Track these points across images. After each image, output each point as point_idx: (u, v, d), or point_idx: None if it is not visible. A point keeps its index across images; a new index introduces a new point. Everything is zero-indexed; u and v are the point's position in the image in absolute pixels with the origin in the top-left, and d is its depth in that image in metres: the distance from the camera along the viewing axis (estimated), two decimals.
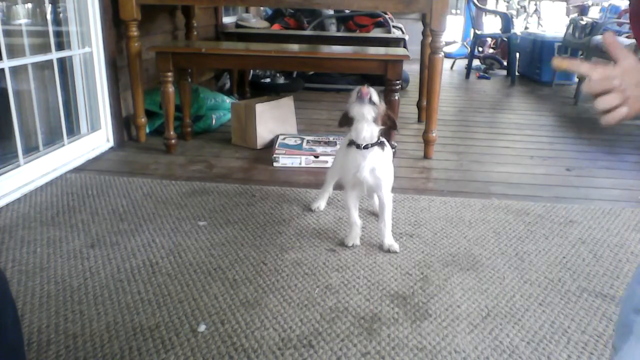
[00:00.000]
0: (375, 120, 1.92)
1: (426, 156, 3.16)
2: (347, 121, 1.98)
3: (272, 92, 4.65)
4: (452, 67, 7.09)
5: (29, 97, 2.62)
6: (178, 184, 2.62)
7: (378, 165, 1.97)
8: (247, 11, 5.70)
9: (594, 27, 4.95)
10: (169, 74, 2.99)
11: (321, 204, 2.37)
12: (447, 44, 7.42)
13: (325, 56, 3.08)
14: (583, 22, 5.25)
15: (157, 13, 3.69)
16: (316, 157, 2.95)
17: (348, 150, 2.01)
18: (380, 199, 2.05)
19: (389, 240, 2.04)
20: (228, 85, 4.79)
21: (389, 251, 2.02)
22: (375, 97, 1.91)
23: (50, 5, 2.79)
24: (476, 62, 6.80)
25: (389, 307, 1.67)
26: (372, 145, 1.95)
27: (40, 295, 1.68)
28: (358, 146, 1.95)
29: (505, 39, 6.64)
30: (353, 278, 1.83)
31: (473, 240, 2.13)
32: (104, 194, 2.49)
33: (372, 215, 2.33)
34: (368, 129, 1.92)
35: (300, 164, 2.95)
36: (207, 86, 4.28)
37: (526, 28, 7.97)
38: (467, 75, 6.39)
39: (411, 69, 5.48)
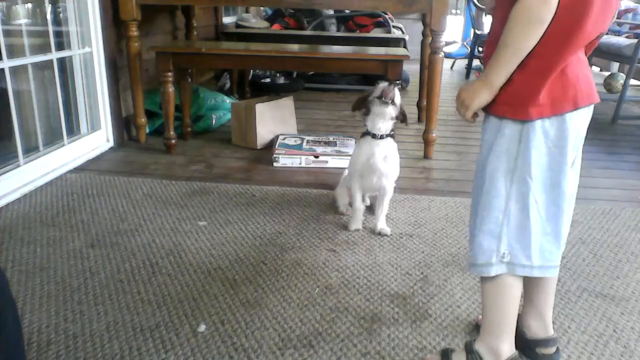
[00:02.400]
0: (391, 117, 2.09)
1: (426, 156, 3.16)
2: (359, 107, 2.15)
3: (272, 92, 4.65)
4: (452, 67, 7.09)
5: (29, 97, 2.62)
6: (178, 184, 2.62)
7: (390, 154, 2.13)
8: (247, 11, 5.70)
9: None
10: (169, 74, 2.99)
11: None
12: (447, 44, 7.42)
13: (325, 56, 3.08)
14: None
15: (157, 13, 3.69)
16: (316, 157, 2.95)
17: (363, 140, 2.16)
18: (383, 188, 2.16)
19: (382, 224, 2.17)
20: (228, 85, 4.79)
21: (379, 234, 2.15)
22: (397, 99, 2.07)
23: (50, 5, 2.79)
24: (476, 62, 6.79)
25: (389, 307, 1.67)
26: (387, 136, 2.12)
27: (40, 295, 1.68)
28: (374, 136, 2.11)
29: None
30: (353, 278, 1.83)
31: None
32: (104, 194, 2.49)
33: (369, 213, 2.32)
34: (384, 122, 2.10)
35: (300, 164, 2.95)
36: (207, 86, 4.28)
37: None
38: (467, 75, 6.39)
39: (411, 69, 5.48)
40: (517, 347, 1.37)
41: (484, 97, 1.18)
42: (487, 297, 1.32)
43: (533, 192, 1.18)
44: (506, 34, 1.10)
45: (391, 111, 2.06)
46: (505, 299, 1.30)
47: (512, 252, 1.23)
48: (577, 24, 1.07)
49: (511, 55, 1.11)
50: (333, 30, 5.35)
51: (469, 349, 1.36)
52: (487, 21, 7.96)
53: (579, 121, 1.18)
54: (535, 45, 1.09)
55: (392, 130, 2.13)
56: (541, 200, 1.20)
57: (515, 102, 1.15)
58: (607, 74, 5.20)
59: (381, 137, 2.11)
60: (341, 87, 5.15)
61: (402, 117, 2.14)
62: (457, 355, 1.39)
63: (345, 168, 2.45)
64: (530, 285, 1.39)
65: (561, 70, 1.12)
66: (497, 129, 1.19)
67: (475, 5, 6.55)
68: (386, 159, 2.12)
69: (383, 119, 2.08)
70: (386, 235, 2.15)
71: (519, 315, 1.41)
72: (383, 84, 2.08)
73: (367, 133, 2.14)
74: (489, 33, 1.25)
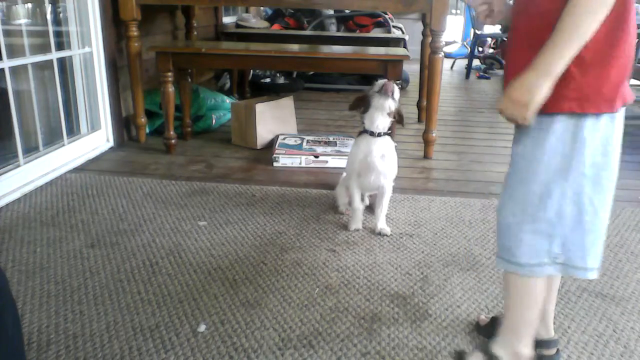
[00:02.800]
0: (389, 114, 2.10)
1: (426, 156, 3.16)
2: (358, 105, 2.15)
3: (272, 92, 4.65)
4: (452, 67, 7.09)
5: (29, 97, 2.62)
6: (178, 184, 2.62)
7: (387, 152, 2.13)
8: (247, 11, 5.70)
9: None
10: (169, 74, 2.99)
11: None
12: (447, 44, 7.41)
13: (325, 56, 3.08)
14: None
15: (157, 13, 3.69)
16: (316, 157, 2.95)
17: (360, 138, 2.16)
18: (381, 187, 2.16)
19: (382, 224, 2.17)
20: (228, 85, 4.79)
21: (379, 234, 2.14)
22: (397, 93, 2.10)
23: (50, 5, 2.79)
24: (476, 62, 6.80)
25: (389, 307, 1.67)
26: (384, 134, 2.12)
27: (40, 295, 1.68)
28: (372, 134, 2.11)
29: (505, 39, 6.64)
30: (353, 278, 1.83)
31: (473, 240, 2.13)
32: (104, 194, 2.49)
33: (369, 213, 2.32)
34: (382, 119, 2.10)
35: (300, 164, 2.94)
36: (207, 86, 4.28)
37: None
38: (467, 75, 6.39)
39: (411, 69, 5.48)
40: None
41: (545, 88, 1.08)
42: (516, 298, 1.29)
43: (587, 192, 1.15)
44: (566, 20, 1.04)
45: (390, 104, 2.07)
46: (534, 299, 1.27)
47: (567, 254, 1.20)
48: (625, 13, 1.07)
49: (572, 40, 1.05)
50: (333, 30, 5.35)
51: (488, 353, 1.32)
52: None
53: (622, 119, 1.17)
54: (597, 34, 1.06)
55: (389, 129, 2.13)
56: (595, 201, 1.17)
57: (579, 96, 1.09)
58: None
59: (378, 134, 2.11)
60: (341, 87, 5.15)
61: (399, 118, 2.15)
62: (472, 358, 1.37)
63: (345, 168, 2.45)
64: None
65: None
66: (547, 126, 1.13)
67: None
68: (384, 157, 2.12)
69: (382, 114, 2.08)
70: (386, 235, 2.15)
71: None
72: (382, 80, 2.12)
73: (364, 131, 2.14)
74: (510, 38, 1.22)
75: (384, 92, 2.07)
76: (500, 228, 1.28)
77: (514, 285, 1.28)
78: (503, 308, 1.38)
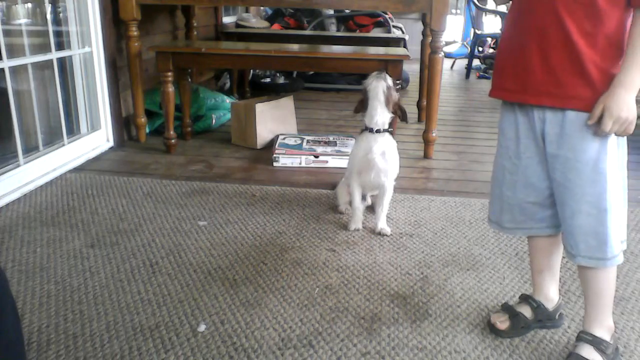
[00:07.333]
0: (387, 105, 2.09)
1: (426, 156, 3.16)
2: (362, 107, 2.15)
3: (272, 92, 4.65)
4: (452, 67, 7.09)
5: (29, 97, 2.62)
6: (178, 184, 2.62)
7: (388, 150, 2.12)
8: (247, 11, 5.70)
9: None
10: (169, 74, 2.99)
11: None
12: (447, 44, 7.41)
13: (325, 56, 3.08)
14: None
15: (157, 13, 3.69)
16: (316, 157, 2.95)
17: (360, 136, 2.16)
18: (382, 186, 2.16)
19: (382, 224, 2.17)
20: (228, 85, 4.78)
21: (379, 234, 2.15)
22: (389, 80, 2.10)
23: (50, 5, 2.79)
24: (476, 62, 6.80)
25: (389, 307, 1.67)
26: (384, 130, 2.11)
27: (40, 295, 1.68)
28: (371, 130, 2.11)
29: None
30: (353, 278, 1.83)
31: (473, 240, 2.13)
32: (104, 194, 2.49)
33: (370, 212, 2.32)
34: (381, 113, 2.09)
35: (300, 164, 2.94)
36: (207, 86, 4.27)
37: None
38: (467, 75, 6.38)
39: (411, 69, 5.48)
40: (539, 325, 1.53)
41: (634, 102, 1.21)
42: (610, 282, 1.41)
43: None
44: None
45: (384, 87, 2.07)
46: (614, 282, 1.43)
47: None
48: None
49: None
50: (333, 30, 5.35)
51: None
52: (486, 21, 7.97)
53: None
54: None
55: (390, 125, 2.13)
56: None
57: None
58: None
59: (377, 131, 2.10)
60: (341, 87, 5.15)
61: (400, 113, 2.15)
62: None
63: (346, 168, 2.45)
64: (553, 256, 1.54)
65: None
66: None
67: (475, 5, 6.54)
68: (384, 155, 2.11)
69: (379, 104, 2.07)
70: (386, 235, 2.15)
71: (537, 294, 1.57)
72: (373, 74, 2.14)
73: (365, 129, 2.14)
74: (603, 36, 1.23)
75: (377, 75, 2.09)
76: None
77: (609, 272, 1.39)
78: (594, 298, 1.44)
